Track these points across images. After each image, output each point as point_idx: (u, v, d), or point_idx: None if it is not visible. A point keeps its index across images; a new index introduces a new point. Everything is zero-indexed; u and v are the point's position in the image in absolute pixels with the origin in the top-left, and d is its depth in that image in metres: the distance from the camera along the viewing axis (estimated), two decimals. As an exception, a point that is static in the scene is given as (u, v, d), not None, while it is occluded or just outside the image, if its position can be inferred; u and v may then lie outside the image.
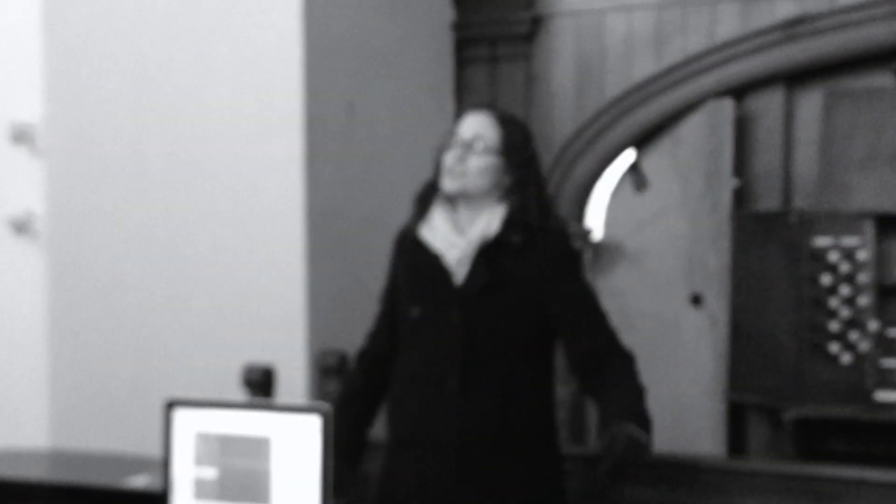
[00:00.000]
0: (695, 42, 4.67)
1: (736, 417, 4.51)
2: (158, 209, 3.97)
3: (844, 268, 4.10)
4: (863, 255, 4.10)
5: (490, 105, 2.97)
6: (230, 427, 2.29)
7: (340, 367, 3.72)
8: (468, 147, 2.72)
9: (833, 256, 4.11)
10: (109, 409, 3.95)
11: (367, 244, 4.10)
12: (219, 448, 2.29)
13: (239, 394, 3.54)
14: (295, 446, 2.25)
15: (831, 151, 4.32)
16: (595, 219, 4.97)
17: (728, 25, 4.62)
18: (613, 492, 2.93)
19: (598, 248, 4.93)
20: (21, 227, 3.97)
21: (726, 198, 4.51)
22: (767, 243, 4.30)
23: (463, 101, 4.85)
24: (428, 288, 2.72)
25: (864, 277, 4.09)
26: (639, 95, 4.76)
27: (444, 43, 4.90)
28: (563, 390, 3.74)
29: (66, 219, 3.98)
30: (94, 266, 4.00)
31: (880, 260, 4.12)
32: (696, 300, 4.65)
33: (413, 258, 2.78)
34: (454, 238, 2.70)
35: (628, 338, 2.82)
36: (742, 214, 4.50)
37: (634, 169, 4.90)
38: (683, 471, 3.10)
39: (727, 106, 4.55)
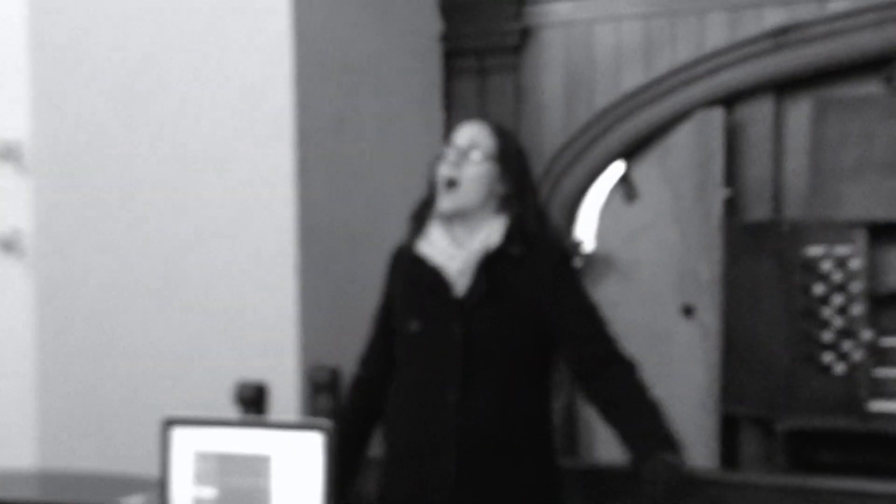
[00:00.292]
0: (684, 52, 4.66)
1: (728, 429, 4.49)
2: (147, 226, 3.93)
3: (837, 277, 4.09)
4: (855, 263, 4.09)
5: (483, 117, 2.98)
6: (229, 445, 2.26)
7: (333, 382, 3.70)
8: (464, 154, 2.72)
9: (826, 265, 4.10)
10: (100, 428, 3.90)
11: (358, 258, 4.08)
12: (218, 467, 2.26)
13: (231, 411, 3.50)
14: (296, 464, 2.22)
15: (822, 160, 4.32)
16: (585, 230, 4.95)
17: (717, 35, 4.62)
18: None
19: (589, 260, 4.91)
20: (8, 245, 3.93)
21: (717, 208, 4.50)
22: (759, 253, 4.30)
23: (452, 114, 4.84)
24: (427, 301, 2.71)
25: (856, 286, 4.09)
26: (628, 106, 4.75)
27: (432, 55, 4.88)
28: (555, 402, 3.72)
29: (54, 237, 3.94)
30: (83, 284, 3.95)
31: (872, 269, 4.11)
32: (688, 311, 4.64)
33: (411, 274, 2.77)
34: (454, 251, 2.70)
35: (621, 349, 2.80)
36: (733, 224, 4.49)
37: (624, 180, 4.89)
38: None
39: (717, 115, 4.54)
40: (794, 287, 4.14)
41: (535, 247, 2.70)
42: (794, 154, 4.57)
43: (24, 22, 3.87)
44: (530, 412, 2.70)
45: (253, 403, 3.50)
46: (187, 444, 2.29)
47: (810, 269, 4.12)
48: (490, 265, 2.68)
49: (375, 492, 2.81)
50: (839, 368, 4.07)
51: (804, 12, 4.48)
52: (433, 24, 4.89)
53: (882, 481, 3.01)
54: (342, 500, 2.69)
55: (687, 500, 2.61)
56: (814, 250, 4.13)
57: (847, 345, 4.06)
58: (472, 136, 2.77)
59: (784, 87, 4.58)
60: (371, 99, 4.34)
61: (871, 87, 4.43)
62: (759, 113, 4.61)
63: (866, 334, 4.05)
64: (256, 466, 2.24)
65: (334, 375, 3.69)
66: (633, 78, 4.75)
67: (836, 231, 4.13)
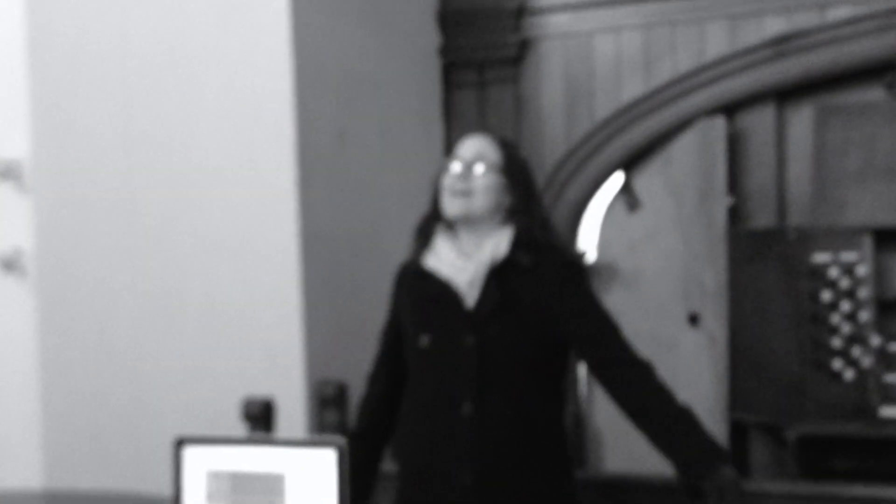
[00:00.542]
0: (684, 61, 4.66)
1: (738, 437, 4.47)
2: (149, 243, 3.91)
3: (844, 283, 4.08)
4: (862, 270, 4.08)
5: (484, 130, 2.98)
6: (242, 464, 2.23)
7: (339, 397, 3.68)
8: (469, 167, 2.71)
9: (833, 272, 4.09)
10: (105, 447, 3.88)
11: (361, 270, 4.07)
12: (231, 486, 2.23)
13: (238, 428, 3.47)
14: (310, 482, 2.18)
15: (824, 167, 4.31)
16: (588, 240, 4.93)
17: (717, 43, 4.61)
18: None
19: (593, 270, 4.89)
20: (9, 264, 3.90)
21: (721, 216, 4.49)
22: (764, 260, 4.28)
23: (452, 126, 4.83)
24: (437, 315, 2.69)
25: (864, 292, 4.07)
26: (629, 116, 4.74)
27: (431, 68, 4.88)
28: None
29: (55, 255, 3.91)
30: (85, 302, 3.93)
31: (879, 274, 4.10)
32: (694, 320, 4.62)
33: (419, 289, 2.75)
34: (462, 263, 2.68)
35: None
36: (737, 232, 4.48)
37: (626, 189, 4.88)
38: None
39: (719, 124, 4.54)
40: (802, 294, 4.13)
41: (542, 256, 2.69)
42: (797, 161, 4.56)
43: (23, 41, 3.85)
44: (545, 422, 2.68)
45: (260, 419, 3.47)
46: (199, 464, 2.25)
47: (817, 275, 4.11)
48: (499, 275, 2.66)
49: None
50: (849, 374, 4.06)
51: (804, 20, 4.48)
52: (432, 37, 4.88)
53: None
54: None
55: None
56: (820, 257, 4.11)
57: (856, 351, 4.05)
58: (477, 148, 2.75)
59: (785, 94, 4.58)
60: (371, 112, 4.33)
61: (872, 94, 4.43)
62: (760, 121, 4.60)
63: (875, 340, 4.04)
64: (270, 485, 2.21)
65: (341, 390, 3.66)
66: (633, 88, 4.74)
67: (842, 237, 4.11)
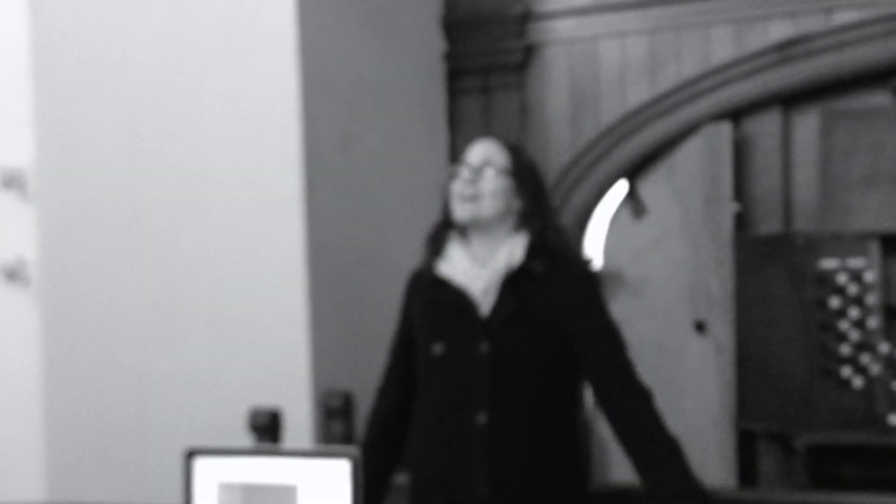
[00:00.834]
0: (689, 66, 4.64)
1: (745, 445, 4.44)
2: (153, 252, 3.89)
3: (853, 290, 4.07)
4: (870, 276, 4.07)
5: (489, 135, 2.95)
6: (254, 476, 2.20)
7: (346, 407, 3.64)
8: (478, 171, 2.69)
9: (841, 279, 4.07)
10: (109, 459, 3.85)
11: (367, 278, 4.05)
12: (243, 498, 2.20)
13: (245, 438, 3.45)
14: (323, 493, 2.15)
15: (831, 172, 4.29)
16: (594, 247, 4.91)
17: (722, 49, 4.59)
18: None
19: (599, 278, 4.86)
20: (12, 273, 3.87)
21: (727, 222, 4.47)
22: (771, 267, 4.26)
23: (457, 132, 4.81)
24: (451, 322, 2.67)
25: (872, 299, 4.06)
26: (634, 122, 4.72)
27: (436, 74, 4.86)
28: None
29: (59, 264, 3.89)
30: (89, 312, 3.90)
31: (886, 280, 4.08)
32: (700, 327, 4.59)
33: (432, 296, 2.72)
34: (476, 270, 2.66)
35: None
36: (744, 238, 4.45)
37: (632, 196, 4.85)
38: None
39: (724, 129, 4.51)
40: (809, 301, 4.11)
41: (557, 264, 2.66)
42: (803, 167, 4.54)
43: (27, 49, 3.83)
44: (560, 430, 2.66)
45: (267, 430, 3.44)
46: (210, 475, 2.22)
47: (825, 282, 4.09)
48: (513, 283, 2.64)
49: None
50: (857, 382, 4.05)
51: (810, 25, 4.45)
52: (437, 44, 4.87)
53: (907, 496, 2.97)
54: None
55: None
56: (828, 263, 4.10)
57: (865, 358, 4.03)
58: (485, 153, 2.74)
59: (791, 99, 4.56)
60: (376, 118, 4.32)
61: (878, 99, 4.42)
62: (766, 126, 4.58)
63: (883, 347, 4.02)
64: (282, 496, 2.18)
65: (347, 400, 3.63)
66: (638, 93, 4.72)
67: (849, 243, 4.10)
